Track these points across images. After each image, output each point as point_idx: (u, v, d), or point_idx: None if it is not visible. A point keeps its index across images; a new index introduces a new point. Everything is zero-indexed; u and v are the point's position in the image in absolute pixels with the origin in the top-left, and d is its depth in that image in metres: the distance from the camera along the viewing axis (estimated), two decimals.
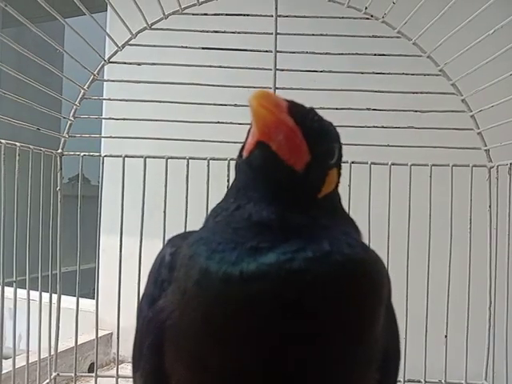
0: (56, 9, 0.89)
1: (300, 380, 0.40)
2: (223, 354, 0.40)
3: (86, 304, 1.44)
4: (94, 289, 1.23)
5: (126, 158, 1.16)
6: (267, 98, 0.41)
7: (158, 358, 0.45)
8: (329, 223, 0.44)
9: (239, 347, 0.40)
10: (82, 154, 1.17)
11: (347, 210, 1.17)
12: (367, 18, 1.08)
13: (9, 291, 0.97)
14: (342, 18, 1.07)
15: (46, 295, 1.15)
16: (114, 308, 1.16)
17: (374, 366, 0.45)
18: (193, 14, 1.08)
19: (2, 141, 0.93)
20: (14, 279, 0.99)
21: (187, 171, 1.08)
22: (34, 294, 1.07)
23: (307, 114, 0.45)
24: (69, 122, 1.14)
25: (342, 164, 1.22)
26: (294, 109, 0.43)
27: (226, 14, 1.04)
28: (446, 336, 1.16)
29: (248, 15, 1.01)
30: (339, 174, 0.50)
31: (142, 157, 1.15)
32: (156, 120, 1.16)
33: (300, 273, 0.39)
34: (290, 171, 0.43)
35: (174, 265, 0.45)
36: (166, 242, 0.51)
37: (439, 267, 1.14)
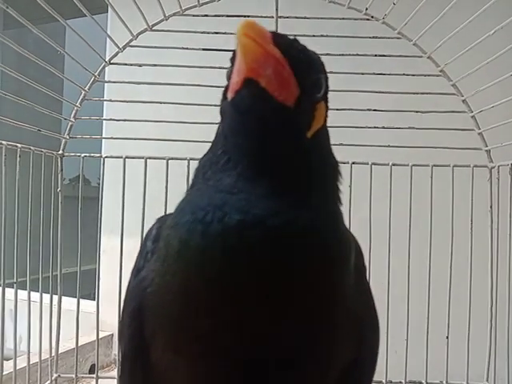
0: (57, 10, 0.88)
1: (274, 339, 0.40)
2: (199, 318, 0.40)
3: (87, 305, 1.44)
4: (95, 290, 1.23)
5: (126, 159, 1.16)
6: (253, 27, 0.38)
7: (138, 323, 0.45)
8: (314, 192, 0.43)
9: (217, 313, 0.39)
10: (82, 154, 1.16)
11: (347, 212, 1.17)
12: (367, 19, 1.08)
13: (10, 292, 0.97)
14: (343, 18, 1.07)
15: (46, 296, 1.14)
16: (114, 309, 1.16)
17: (349, 335, 0.45)
18: (193, 15, 1.08)
19: (3, 142, 0.93)
20: (15, 280, 0.98)
21: (188, 172, 1.08)
22: (35, 296, 1.06)
23: (292, 44, 0.42)
24: (69, 123, 1.14)
25: (343, 164, 1.22)
26: (279, 39, 0.40)
27: (227, 16, 1.04)
28: (447, 337, 1.15)
29: (249, 16, 1.01)
30: (327, 108, 0.48)
31: (142, 158, 1.15)
32: (157, 121, 1.15)
33: (284, 250, 0.38)
34: (280, 108, 0.40)
35: (158, 237, 0.46)
36: (155, 221, 0.51)
37: (440, 267, 1.14)
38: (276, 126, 0.41)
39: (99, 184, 1.34)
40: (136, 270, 0.49)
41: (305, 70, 0.42)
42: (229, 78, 0.43)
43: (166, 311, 0.42)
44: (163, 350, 0.44)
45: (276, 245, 0.38)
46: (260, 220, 0.38)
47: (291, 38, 0.43)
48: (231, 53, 0.43)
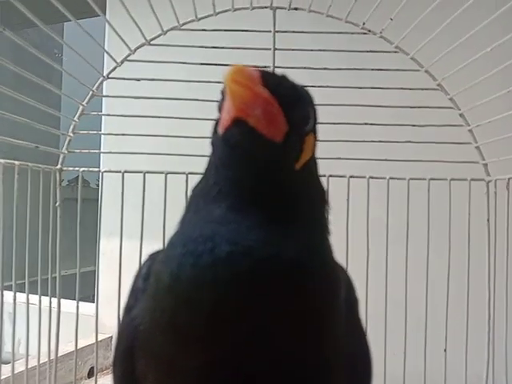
0: (56, 11, 0.86)
1: (263, 377, 0.40)
2: (189, 354, 0.40)
3: (86, 307, 1.45)
4: (94, 292, 1.23)
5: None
6: (241, 72, 0.40)
7: (130, 364, 0.46)
8: (303, 223, 0.44)
9: (206, 348, 0.40)
10: (81, 169, 1.15)
11: (346, 225, 1.16)
12: (365, 33, 1.08)
13: (8, 295, 0.97)
14: (340, 33, 1.07)
15: (45, 299, 1.13)
16: (113, 311, 1.17)
17: (341, 370, 0.45)
18: (191, 30, 1.09)
19: (1, 160, 0.92)
20: (13, 283, 0.98)
21: (186, 187, 1.08)
22: (34, 298, 1.06)
23: (280, 82, 0.44)
24: (68, 137, 1.14)
25: (340, 178, 1.22)
26: (267, 78, 0.42)
27: (225, 30, 1.05)
28: (445, 350, 1.15)
29: (246, 31, 1.02)
30: (316, 139, 0.49)
31: (141, 172, 1.14)
32: (156, 135, 1.15)
33: (272, 281, 0.39)
34: (269, 144, 0.41)
35: (149, 275, 0.46)
36: (146, 257, 0.52)
37: (438, 280, 1.14)
38: (265, 160, 0.43)
39: (98, 186, 1.34)
40: (127, 309, 0.49)
41: (293, 105, 0.44)
42: (220, 109, 0.44)
43: (156, 349, 0.42)
44: None
45: (264, 276, 0.39)
46: (249, 251, 0.39)
47: (280, 75, 0.45)
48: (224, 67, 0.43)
